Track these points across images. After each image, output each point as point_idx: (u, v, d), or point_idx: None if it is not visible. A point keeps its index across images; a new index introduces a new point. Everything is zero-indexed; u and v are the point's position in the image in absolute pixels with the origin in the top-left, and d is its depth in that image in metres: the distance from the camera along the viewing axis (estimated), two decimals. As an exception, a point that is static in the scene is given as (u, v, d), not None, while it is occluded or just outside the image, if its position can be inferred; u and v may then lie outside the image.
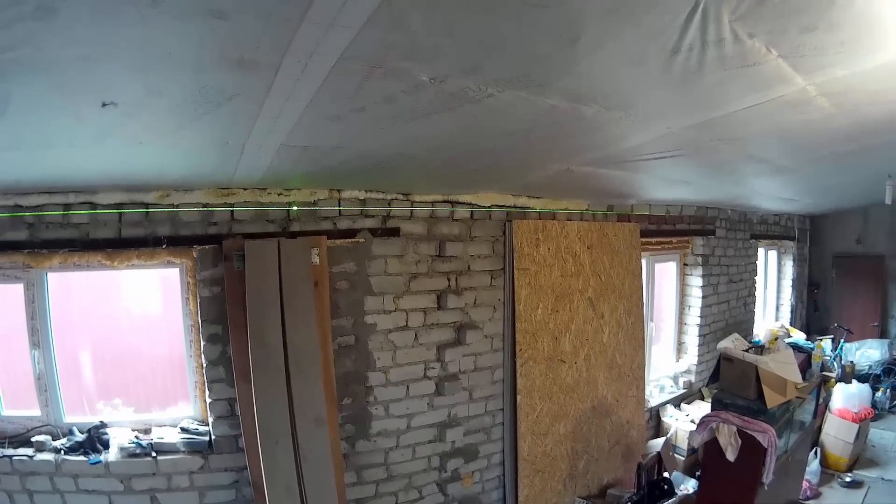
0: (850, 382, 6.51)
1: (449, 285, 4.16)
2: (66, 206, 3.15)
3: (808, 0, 1.60)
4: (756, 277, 7.56)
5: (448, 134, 2.64)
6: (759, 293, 7.78)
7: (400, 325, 3.99)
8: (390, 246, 3.90)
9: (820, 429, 5.92)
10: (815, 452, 5.67)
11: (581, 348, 4.79)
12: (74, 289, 3.58)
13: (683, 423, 5.57)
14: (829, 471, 5.73)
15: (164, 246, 3.35)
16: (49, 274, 3.38)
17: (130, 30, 1.46)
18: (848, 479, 5.53)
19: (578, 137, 2.91)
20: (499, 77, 2.03)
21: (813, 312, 9.31)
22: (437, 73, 1.93)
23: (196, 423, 3.68)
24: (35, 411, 3.47)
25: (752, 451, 3.38)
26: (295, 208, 3.60)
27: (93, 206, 3.19)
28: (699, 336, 6.38)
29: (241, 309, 3.33)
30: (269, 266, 3.38)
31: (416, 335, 4.06)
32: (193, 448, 3.53)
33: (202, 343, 3.50)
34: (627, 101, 2.43)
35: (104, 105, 1.89)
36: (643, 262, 5.52)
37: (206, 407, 3.62)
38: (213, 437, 3.56)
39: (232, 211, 3.46)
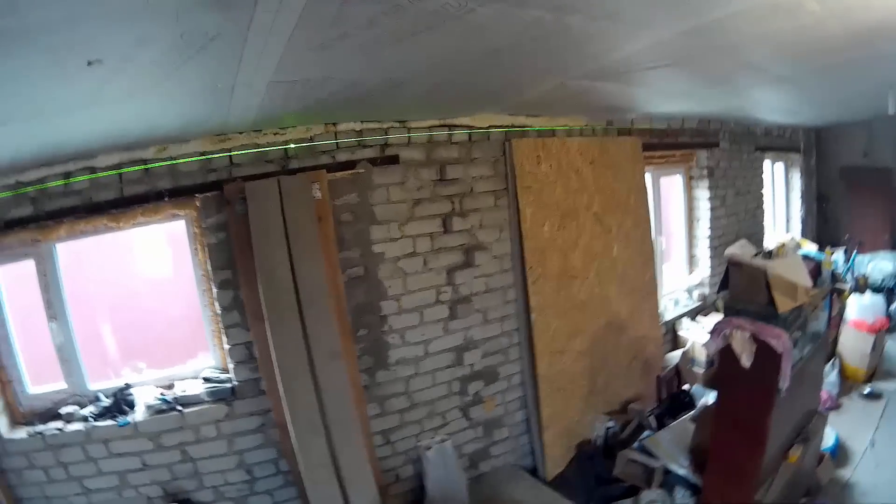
0: (864, 293, 6.50)
1: (453, 208, 4.16)
2: (67, 175, 3.18)
3: None
4: (763, 190, 7.51)
5: (435, 56, 2.60)
6: (767, 206, 7.73)
7: (407, 251, 4.01)
8: (391, 174, 3.90)
9: (836, 341, 5.93)
10: (833, 364, 5.69)
11: (591, 264, 4.80)
12: (84, 257, 3.60)
13: (700, 335, 5.60)
14: (847, 382, 5.76)
15: (166, 199, 3.36)
16: (57, 245, 3.41)
17: None
18: (867, 391, 5.55)
19: (568, 51, 2.85)
20: None
21: (823, 225, 9.26)
22: None
23: (217, 371, 3.75)
24: (60, 384, 3.53)
25: (766, 357, 3.37)
26: (292, 146, 3.60)
27: (92, 170, 3.21)
28: (710, 248, 6.39)
29: (248, 251, 3.36)
30: (271, 205, 3.39)
31: (424, 260, 4.08)
32: (217, 396, 3.59)
33: (214, 290, 3.53)
34: (612, 8, 2.38)
35: (90, 63, 1.87)
36: (647, 176, 5.50)
37: (224, 354, 3.68)
38: (235, 382, 3.62)
39: (230, 156, 3.47)
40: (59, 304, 3.45)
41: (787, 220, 8.79)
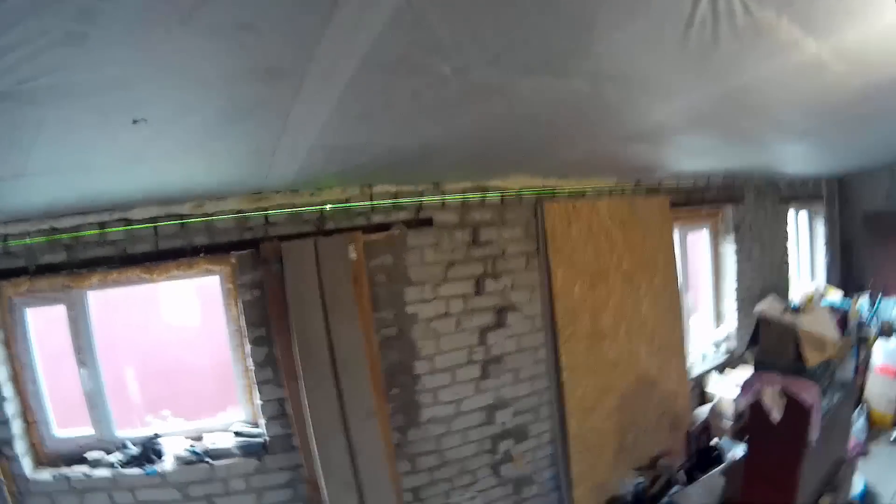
0: (890, 338, 6.46)
1: (485, 270, 4.22)
2: (102, 225, 3.23)
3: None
4: (788, 241, 7.51)
5: (474, 123, 2.70)
6: (792, 256, 7.72)
7: (441, 312, 4.06)
8: (425, 236, 3.96)
9: (863, 387, 5.90)
10: (860, 410, 5.64)
11: (621, 323, 4.83)
12: (116, 304, 3.66)
13: (728, 389, 5.57)
14: (875, 428, 5.71)
15: (201, 255, 3.41)
16: (89, 292, 3.45)
17: (160, 49, 1.53)
18: (894, 437, 5.50)
19: (602, 117, 2.96)
20: (519, 65, 2.09)
21: (848, 271, 9.21)
22: (460, 65, 2.00)
23: (248, 425, 3.77)
24: (87, 429, 3.55)
25: (796, 410, 3.39)
26: (328, 207, 3.67)
27: (128, 222, 3.27)
28: (737, 302, 6.38)
29: (283, 310, 3.41)
30: (307, 266, 3.46)
31: (457, 321, 4.13)
32: (248, 451, 3.60)
33: (247, 346, 3.57)
34: (646, 77, 2.47)
35: (135, 122, 1.96)
36: (675, 233, 5.54)
37: (255, 409, 3.70)
38: (266, 438, 3.63)
39: (266, 215, 3.53)
40: (90, 350, 3.48)
41: (812, 269, 8.75)
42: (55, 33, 1.34)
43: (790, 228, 7.65)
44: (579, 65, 2.18)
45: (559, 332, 4.43)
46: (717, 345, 6.31)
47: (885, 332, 6.95)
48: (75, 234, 3.18)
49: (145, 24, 1.41)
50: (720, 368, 6.09)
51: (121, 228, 3.25)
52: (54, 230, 3.16)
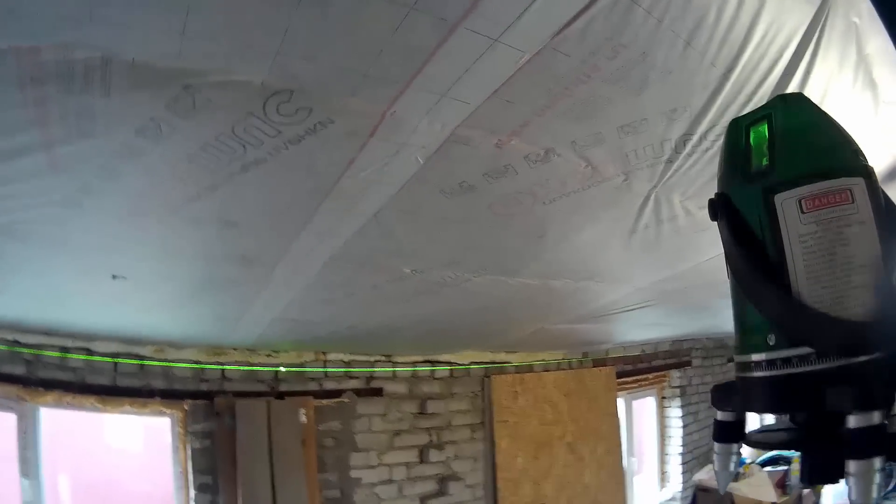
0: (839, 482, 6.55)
1: (431, 440, 4.33)
2: (64, 349, 3.27)
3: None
4: (737, 398, 7.68)
5: (430, 310, 2.91)
6: (741, 412, 7.88)
7: (384, 478, 4.13)
8: (374, 405, 4.09)
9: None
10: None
11: (563, 491, 4.90)
12: (67, 423, 3.60)
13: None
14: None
15: (156, 398, 3.49)
16: (42, 408, 3.41)
17: (149, 228, 1.72)
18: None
19: (551, 304, 3.17)
20: (475, 267, 2.34)
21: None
22: (419, 266, 2.24)
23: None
24: None
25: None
26: (283, 369, 3.81)
27: (89, 352, 3.33)
28: (682, 464, 6.46)
29: (231, 464, 3.49)
30: (259, 424, 3.56)
31: (399, 488, 4.19)
32: None
33: (192, 491, 3.59)
34: (594, 272, 2.70)
35: (114, 277, 2.12)
36: (621, 401, 5.70)
37: None
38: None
39: (223, 370, 3.66)
40: (35, 463, 3.39)
41: (762, 422, 8.88)
42: (55, 195, 1.51)
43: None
44: (530, 267, 2.42)
45: (500, 502, 4.50)
46: (661, 507, 6.36)
47: (837, 475, 7.05)
48: (37, 351, 3.22)
49: (139, 208, 1.60)
50: (663, 531, 6.13)
51: (82, 356, 3.32)
52: (17, 342, 3.19)
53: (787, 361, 0.72)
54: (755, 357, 0.77)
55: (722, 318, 5.25)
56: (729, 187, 0.82)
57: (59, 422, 3.58)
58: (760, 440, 0.91)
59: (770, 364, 0.74)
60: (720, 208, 0.81)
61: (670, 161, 1.72)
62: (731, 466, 0.91)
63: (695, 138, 1.61)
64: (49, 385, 3.29)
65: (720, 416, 0.90)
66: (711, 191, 1.63)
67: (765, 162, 0.77)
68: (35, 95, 1.16)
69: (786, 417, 0.85)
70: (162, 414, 3.69)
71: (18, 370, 3.22)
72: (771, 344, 0.74)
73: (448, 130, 1.43)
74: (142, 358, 3.48)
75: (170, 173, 1.47)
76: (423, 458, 4.29)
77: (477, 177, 1.66)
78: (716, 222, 0.82)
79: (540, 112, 1.42)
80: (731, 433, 0.91)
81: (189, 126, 1.29)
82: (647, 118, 1.51)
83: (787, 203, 0.72)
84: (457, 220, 1.88)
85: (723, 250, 0.81)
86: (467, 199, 1.77)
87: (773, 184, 0.74)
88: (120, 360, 3.44)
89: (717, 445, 0.93)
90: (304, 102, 1.27)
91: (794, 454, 6.95)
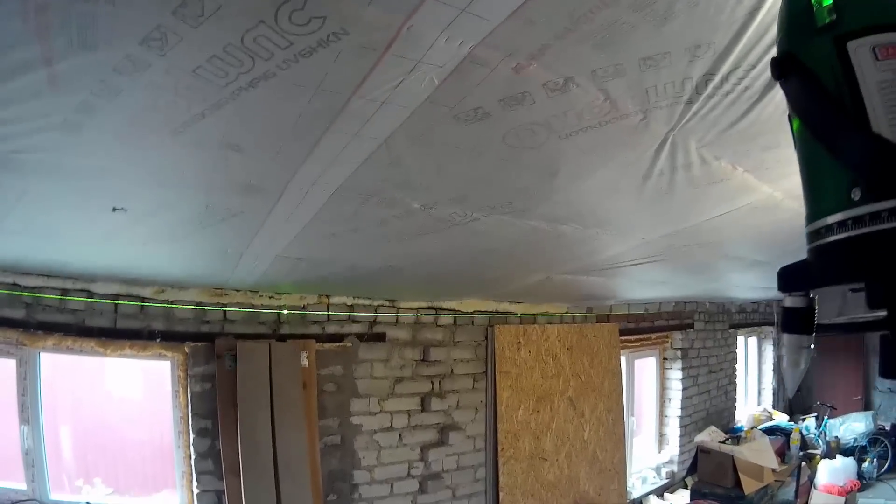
0: (835, 458, 6.63)
1: (433, 388, 4.31)
2: (63, 292, 3.23)
3: (767, 124, 1.74)
4: (736, 365, 7.70)
5: (435, 251, 2.85)
6: (740, 380, 7.90)
7: (385, 426, 4.11)
8: (376, 350, 4.06)
9: (807, 504, 6.02)
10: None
11: (562, 446, 4.91)
12: (66, 368, 3.61)
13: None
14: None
15: (157, 340, 3.46)
16: (42, 353, 3.41)
17: (150, 151, 1.64)
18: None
19: (558, 251, 3.12)
20: (484, 205, 2.26)
21: (796, 393, 9.41)
22: (428, 201, 2.16)
23: (182, 512, 3.73)
24: (21, 485, 3.43)
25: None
26: (285, 312, 3.76)
27: (90, 293, 3.29)
28: (680, 427, 6.48)
29: (231, 407, 3.46)
30: (260, 368, 3.53)
31: (400, 436, 4.18)
32: (181, 539, 3.55)
33: (191, 435, 3.57)
34: (604, 220, 2.65)
35: (114, 210, 2.05)
36: (623, 359, 5.68)
37: (192, 497, 3.66)
38: (201, 528, 3.59)
39: (225, 311, 3.61)
40: (35, 409, 3.40)
41: (759, 392, 8.94)
42: (55, 118, 1.44)
43: (739, 353, 7.85)
44: (540, 208, 2.35)
45: (500, 454, 4.50)
46: (659, 469, 6.38)
47: (831, 451, 7.15)
48: (37, 294, 3.18)
49: (140, 128, 1.52)
50: (660, 492, 6.14)
51: (82, 299, 3.27)
52: (16, 286, 3.15)
53: (875, 216, 0.65)
54: (832, 218, 0.72)
55: (725, 283, 5.26)
56: (793, 45, 0.78)
57: (59, 368, 3.57)
58: (837, 323, 0.84)
59: (856, 222, 0.68)
60: (789, 65, 0.77)
61: (690, 102, 1.65)
62: (802, 364, 0.85)
63: (717, 79, 1.54)
64: (49, 328, 3.25)
65: (789, 301, 0.84)
66: (729, 140, 1.54)
67: (831, 16, 0.73)
68: (36, 2, 1.08)
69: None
70: (162, 357, 3.66)
71: (18, 314, 3.18)
72: (855, 199, 0.68)
73: (466, 49, 1.34)
74: (143, 299, 3.43)
75: (173, 89, 1.39)
76: (424, 407, 4.27)
77: (493, 103, 1.58)
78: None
79: (561, 35, 1.34)
80: (801, 322, 0.84)
81: (196, 35, 1.20)
82: (669, 52, 1.44)
83: (860, 50, 0.69)
84: (469, 151, 1.81)
85: (788, 116, 0.76)
86: (481, 128, 1.69)
87: (844, 33, 0.71)
88: (120, 301, 3.39)
89: (785, 338, 0.86)
90: (317, 11, 1.18)
91: (791, 425, 7.03)
